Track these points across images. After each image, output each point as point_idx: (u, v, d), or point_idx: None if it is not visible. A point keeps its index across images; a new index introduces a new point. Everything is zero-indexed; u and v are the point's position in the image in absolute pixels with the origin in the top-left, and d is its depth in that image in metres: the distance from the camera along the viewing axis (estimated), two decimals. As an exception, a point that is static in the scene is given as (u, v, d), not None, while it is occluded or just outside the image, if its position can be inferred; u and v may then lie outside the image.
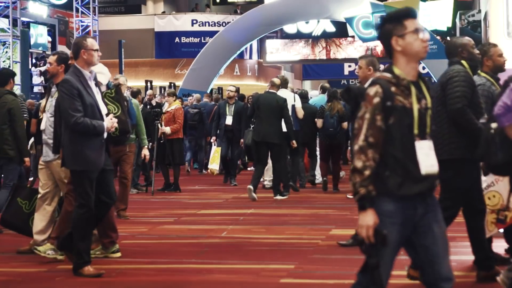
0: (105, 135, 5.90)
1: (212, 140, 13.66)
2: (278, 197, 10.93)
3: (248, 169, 17.04)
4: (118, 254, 6.52)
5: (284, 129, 11.02)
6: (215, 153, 13.18)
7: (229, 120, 13.09)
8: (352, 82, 35.07)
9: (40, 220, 6.67)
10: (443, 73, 5.62)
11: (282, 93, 11.45)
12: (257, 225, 8.55)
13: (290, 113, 11.19)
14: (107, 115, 5.97)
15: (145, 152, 9.52)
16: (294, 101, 11.66)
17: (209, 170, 13.52)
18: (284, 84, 11.81)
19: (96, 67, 6.51)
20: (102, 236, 6.54)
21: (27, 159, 8.23)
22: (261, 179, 12.00)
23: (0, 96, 8.12)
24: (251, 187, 10.74)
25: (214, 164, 13.20)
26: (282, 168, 11.07)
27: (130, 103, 8.88)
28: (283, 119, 10.91)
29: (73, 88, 5.74)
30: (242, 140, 13.02)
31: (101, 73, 6.52)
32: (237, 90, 13.62)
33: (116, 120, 6.10)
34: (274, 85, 11.29)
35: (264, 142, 10.85)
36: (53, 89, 6.76)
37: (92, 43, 5.95)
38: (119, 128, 6.37)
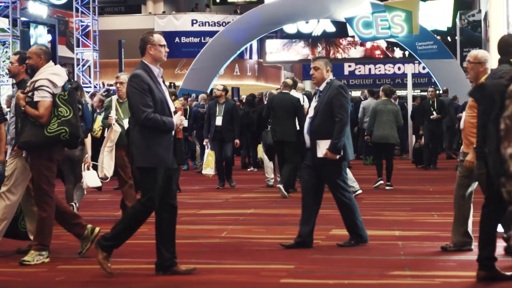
0: (173, 133, 5.79)
1: (204, 143, 13.05)
2: (283, 190, 10.93)
3: (248, 169, 17.03)
4: (98, 229, 6.50)
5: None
6: (209, 156, 12.50)
7: (219, 121, 12.50)
8: (352, 82, 35.15)
9: (30, 222, 6.70)
10: (491, 73, 5.68)
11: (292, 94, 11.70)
12: (257, 225, 8.54)
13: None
14: (175, 113, 5.85)
15: None
16: (303, 102, 11.79)
17: (205, 175, 12.86)
18: (294, 86, 12.02)
19: (53, 68, 6.45)
20: (72, 229, 6.50)
21: None
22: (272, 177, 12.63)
23: None
24: (280, 186, 11.03)
25: (208, 169, 12.47)
26: (293, 167, 11.27)
27: (85, 107, 8.68)
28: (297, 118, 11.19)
29: (143, 83, 5.61)
30: (237, 141, 12.69)
31: (57, 74, 6.36)
32: (225, 89, 12.96)
33: (183, 118, 5.99)
34: (287, 86, 11.57)
35: (280, 141, 11.16)
36: (14, 89, 6.72)
37: (159, 38, 5.83)
38: (69, 132, 6.20)
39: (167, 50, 5.91)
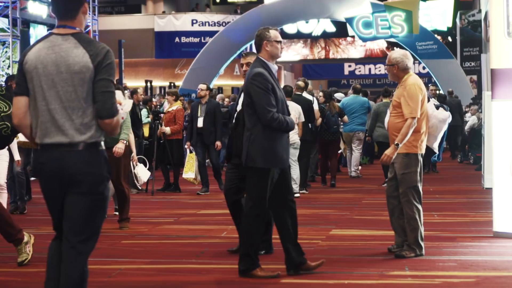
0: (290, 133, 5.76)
1: (186, 146, 12.23)
2: (304, 191, 11.50)
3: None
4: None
5: None
6: (189, 159, 11.72)
7: (200, 123, 11.74)
8: (352, 82, 35.13)
9: None
10: None
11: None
12: (257, 225, 8.52)
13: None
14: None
15: (119, 146, 8.21)
16: (313, 103, 12.07)
17: (187, 179, 12.13)
18: (305, 87, 12.38)
19: None
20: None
21: None
22: None
23: None
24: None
25: (189, 173, 11.72)
26: (306, 165, 11.81)
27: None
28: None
29: (267, 82, 5.49)
30: (218, 143, 11.84)
31: None
32: (209, 88, 12.25)
33: (297, 115, 5.86)
34: (299, 88, 11.94)
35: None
36: None
37: (275, 34, 5.68)
38: (10, 127, 6.05)
39: (283, 46, 5.76)
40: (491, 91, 7.41)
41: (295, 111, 10.72)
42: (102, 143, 3.68)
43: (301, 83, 12.14)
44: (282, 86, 12.42)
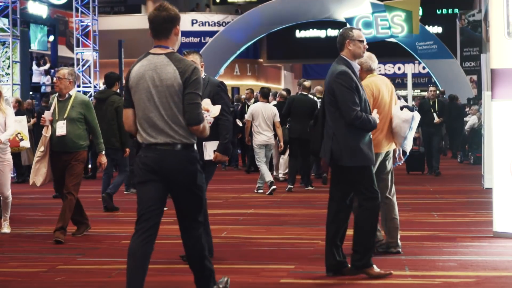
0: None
1: None
2: (309, 187, 12.21)
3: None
4: None
5: None
6: None
7: None
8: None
9: None
10: None
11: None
12: (257, 225, 8.54)
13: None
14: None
15: (102, 159, 7.84)
16: (317, 103, 12.36)
17: None
18: (309, 88, 12.81)
19: None
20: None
21: (127, 149, 9.70)
22: (276, 173, 13.72)
23: (108, 96, 9.78)
24: (291, 186, 12.07)
25: None
26: (310, 163, 12.49)
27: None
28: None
29: (352, 81, 5.49)
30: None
31: None
32: None
33: (379, 116, 5.84)
34: (305, 88, 12.43)
35: (297, 139, 11.96)
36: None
37: (358, 34, 5.68)
38: None
39: (366, 46, 5.75)
40: (491, 91, 7.41)
41: (271, 111, 11.94)
42: (195, 145, 4.41)
43: (307, 83, 12.49)
44: (282, 86, 12.69)
